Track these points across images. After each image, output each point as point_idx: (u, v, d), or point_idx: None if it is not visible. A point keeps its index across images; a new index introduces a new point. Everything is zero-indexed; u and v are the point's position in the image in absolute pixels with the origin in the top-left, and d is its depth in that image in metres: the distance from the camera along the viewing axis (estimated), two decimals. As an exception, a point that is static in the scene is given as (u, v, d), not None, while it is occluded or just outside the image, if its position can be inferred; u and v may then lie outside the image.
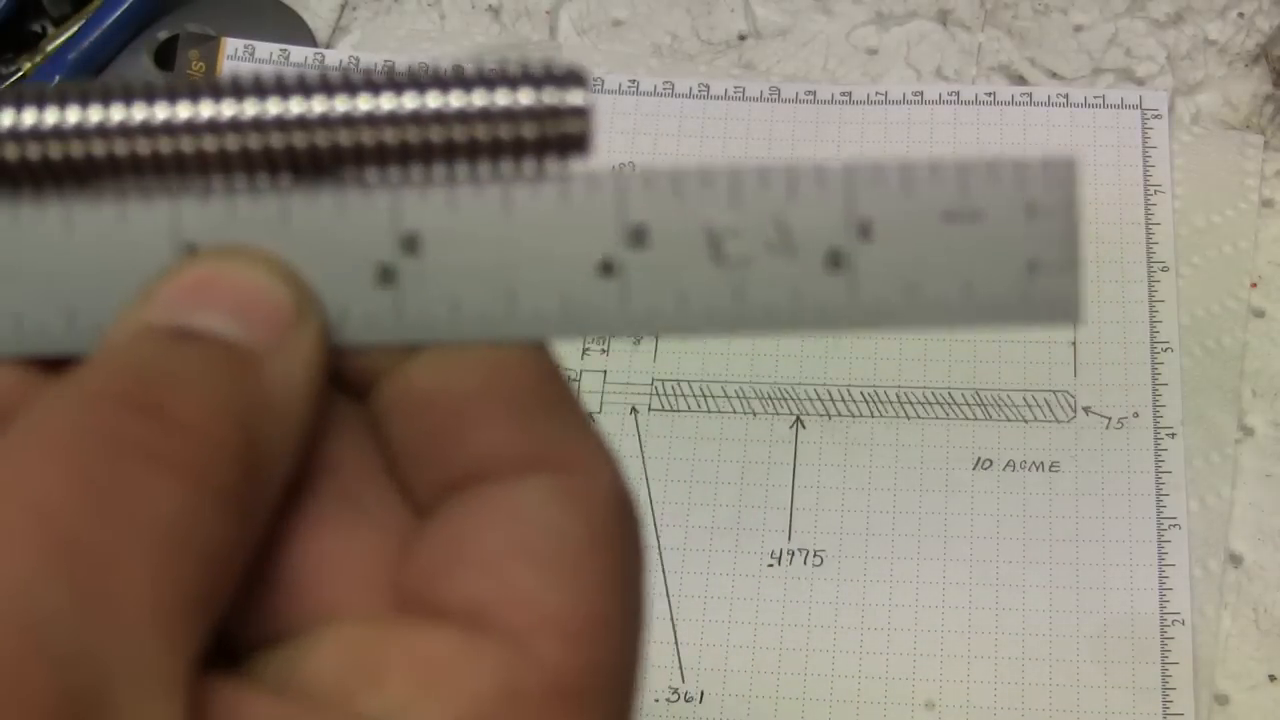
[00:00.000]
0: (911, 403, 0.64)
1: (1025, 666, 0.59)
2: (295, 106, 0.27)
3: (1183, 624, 0.59)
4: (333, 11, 0.75)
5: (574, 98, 0.27)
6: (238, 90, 0.27)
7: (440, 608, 0.25)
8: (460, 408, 0.27)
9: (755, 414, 0.64)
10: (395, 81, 0.27)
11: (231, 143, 0.27)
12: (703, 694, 0.59)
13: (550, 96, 0.27)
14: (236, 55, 0.72)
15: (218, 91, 0.27)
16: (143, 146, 0.27)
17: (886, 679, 0.59)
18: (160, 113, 0.27)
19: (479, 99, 0.27)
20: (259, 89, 0.27)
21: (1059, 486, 0.62)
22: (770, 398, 0.65)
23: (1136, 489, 0.62)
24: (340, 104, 0.27)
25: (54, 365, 0.28)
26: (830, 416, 0.64)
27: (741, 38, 0.74)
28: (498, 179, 0.28)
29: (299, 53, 0.72)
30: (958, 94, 0.70)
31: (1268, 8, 0.73)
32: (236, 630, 0.26)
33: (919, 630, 0.60)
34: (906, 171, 0.28)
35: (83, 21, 0.73)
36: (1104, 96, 0.70)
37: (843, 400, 0.64)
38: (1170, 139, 0.69)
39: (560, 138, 0.27)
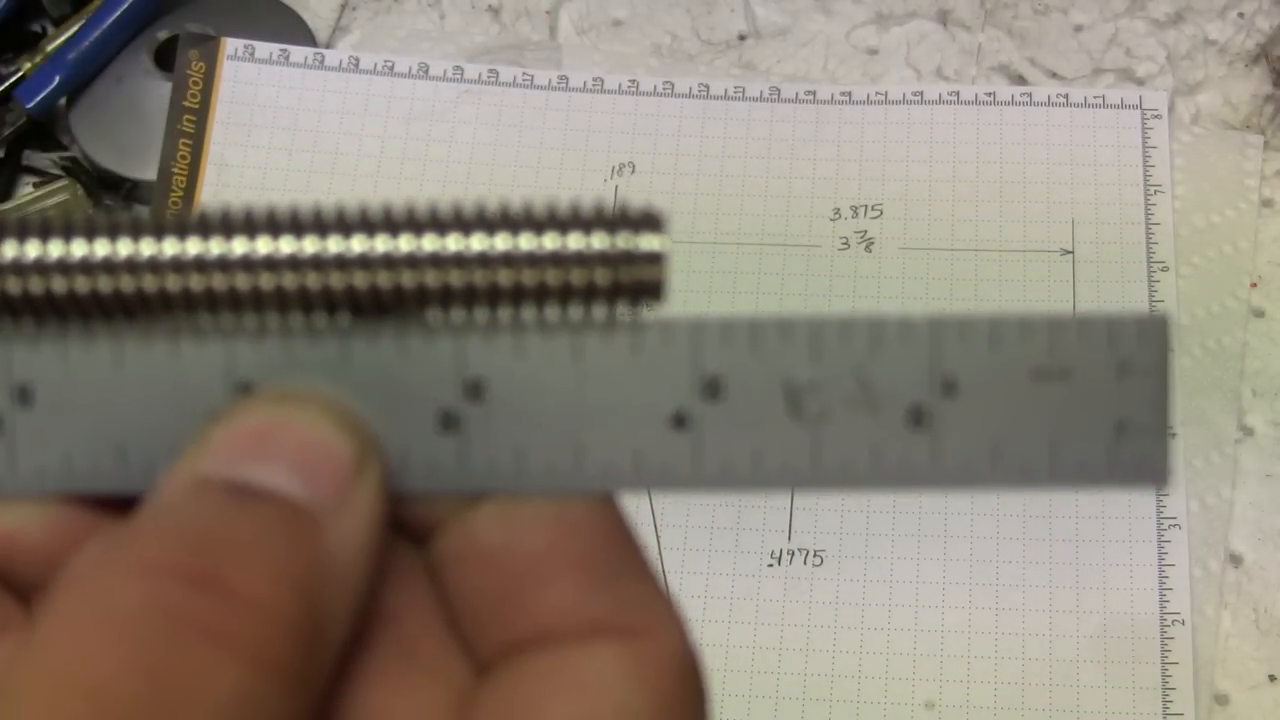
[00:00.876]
0: (911, 402, 0.64)
1: (1025, 666, 0.59)
2: (357, 245, 0.26)
3: (1183, 624, 0.59)
4: (333, 11, 0.75)
5: (649, 243, 0.27)
6: (297, 226, 0.27)
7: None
8: (525, 566, 0.26)
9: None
10: (463, 220, 0.27)
11: (290, 281, 0.26)
12: (703, 695, 0.59)
13: (625, 241, 0.27)
14: (236, 55, 0.72)
15: (276, 226, 0.26)
16: (196, 282, 0.27)
17: (886, 679, 0.59)
18: (215, 248, 0.26)
19: (550, 241, 0.26)
20: (320, 225, 0.27)
21: (1059, 486, 0.62)
22: (770, 398, 0.64)
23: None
24: (404, 243, 0.26)
25: (104, 504, 0.27)
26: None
27: (741, 38, 0.74)
28: (567, 325, 0.27)
29: (299, 53, 0.72)
30: (958, 94, 0.70)
31: (1268, 8, 0.73)
32: None
33: (919, 630, 0.60)
34: (994, 326, 0.27)
35: (83, 21, 0.73)
36: (1104, 97, 0.70)
37: (843, 400, 0.64)
38: (1170, 139, 0.69)
39: (634, 284, 0.27)
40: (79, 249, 0.26)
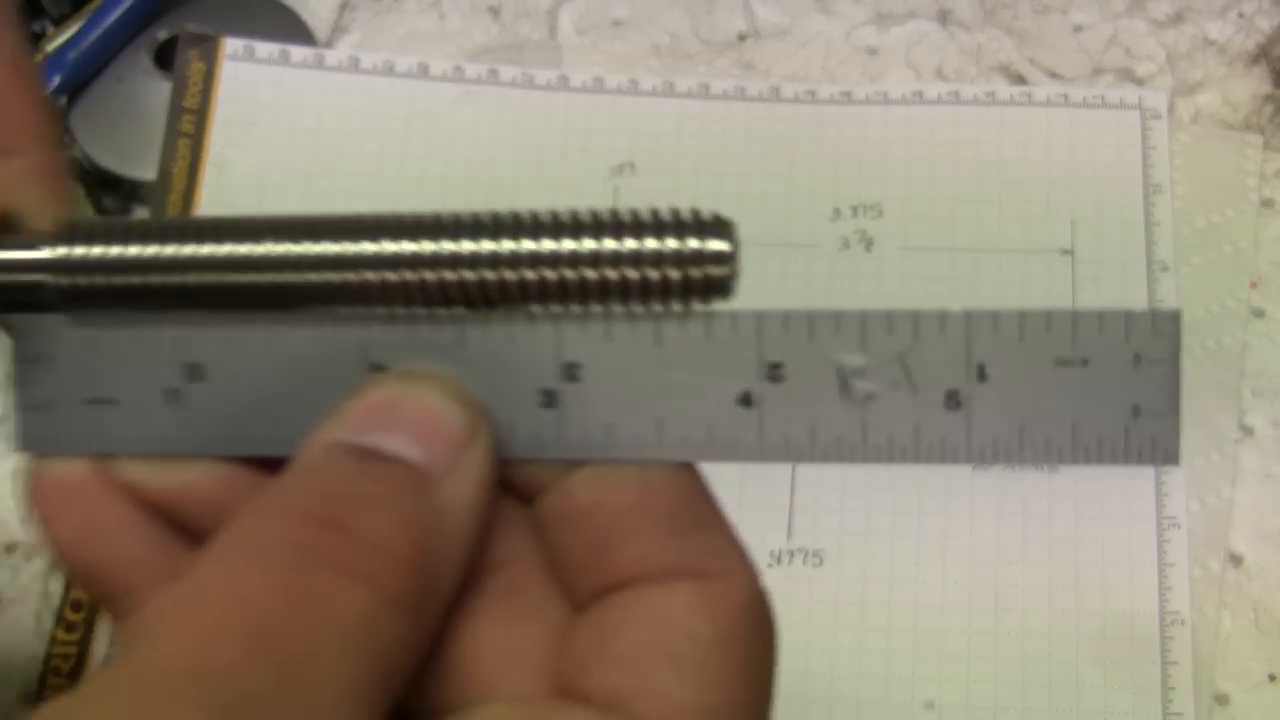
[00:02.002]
0: (911, 402, 0.64)
1: (1025, 666, 0.59)
2: (470, 246, 0.31)
3: (1182, 624, 0.59)
4: (332, 11, 0.75)
5: (718, 245, 0.30)
6: (418, 230, 0.31)
7: (585, 694, 0.29)
8: (615, 521, 0.30)
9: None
10: (559, 224, 0.31)
11: (414, 277, 0.31)
12: None
13: (697, 243, 0.30)
14: (236, 55, 0.72)
15: (400, 230, 0.31)
16: (338, 278, 0.31)
17: (886, 679, 0.59)
18: (358, 248, 0.31)
19: (632, 243, 0.30)
20: (438, 228, 0.31)
21: (1059, 486, 0.62)
22: (770, 397, 0.64)
23: (1136, 489, 0.62)
24: (508, 245, 0.31)
25: (261, 463, 0.32)
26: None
27: (741, 38, 0.74)
28: (649, 316, 0.31)
29: (299, 53, 0.72)
30: (957, 94, 0.70)
31: (1268, 8, 0.73)
32: (412, 704, 0.29)
33: (919, 630, 0.60)
34: (1022, 319, 0.31)
35: (83, 21, 0.73)
36: (1103, 97, 0.70)
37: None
38: (1170, 139, 0.69)
39: (705, 281, 0.30)
40: (245, 248, 0.32)
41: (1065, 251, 0.66)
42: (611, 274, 0.30)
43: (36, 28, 0.75)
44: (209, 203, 0.69)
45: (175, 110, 0.70)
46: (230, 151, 0.70)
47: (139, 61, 0.73)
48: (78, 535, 0.33)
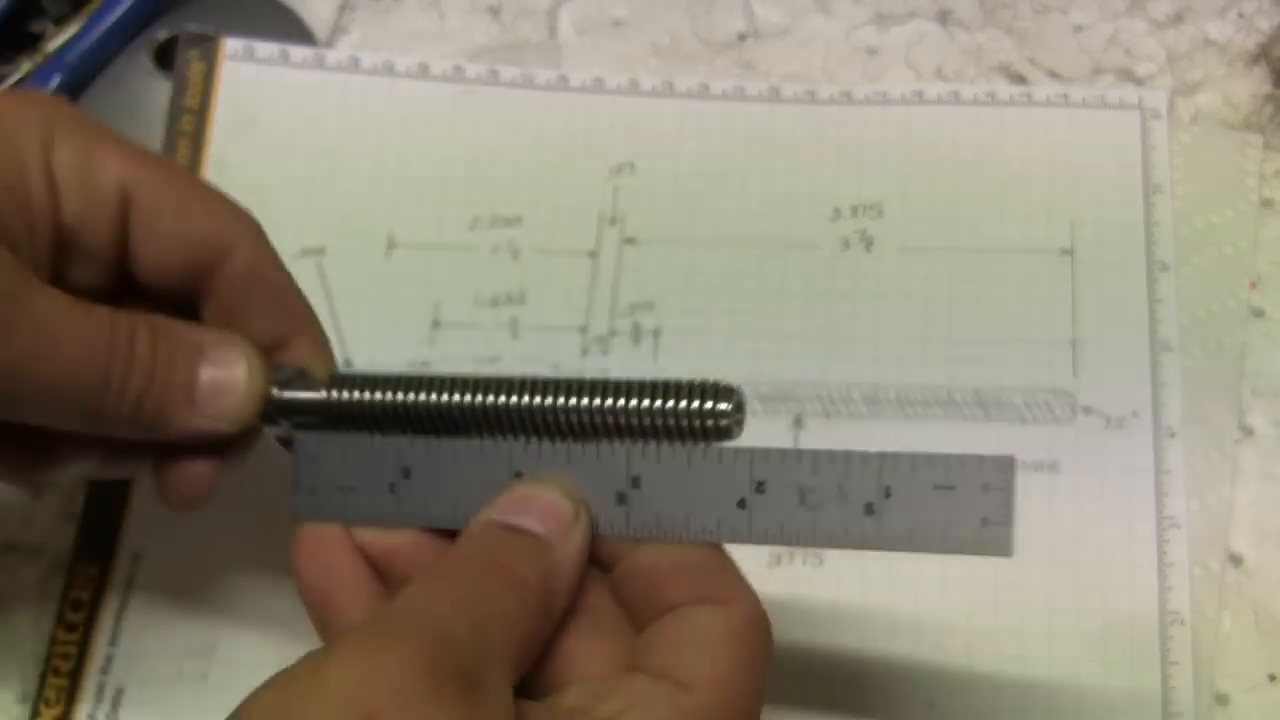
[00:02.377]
0: (911, 403, 0.64)
1: (1025, 666, 0.59)
2: (574, 402, 0.48)
3: (1182, 624, 0.59)
4: (332, 11, 0.76)
5: (724, 406, 0.46)
6: (540, 389, 0.48)
7: (644, 668, 0.44)
8: (664, 575, 0.46)
9: (755, 414, 0.64)
10: (620, 389, 0.47)
11: (538, 419, 0.48)
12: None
13: (711, 405, 0.46)
14: (236, 55, 0.72)
15: (531, 389, 0.48)
16: (490, 417, 0.49)
17: (887, 679, 0.59)
18: (507, 400, 0.48)
19: (669, 404, 0.47)
20: (550, 388, 0.48)
21: (1059, 486, 0.62)
22: (770, 398, 0.65)
23: (1136, 489, 0.62)
24: (587, 403, 0.48)
25: (442, 534, 0.49)
26: (830, 417, 0.64)
27: (741, 38, 0.74)
28: (684, 448, 0.47)
29: (298, 53, 0.72)
30: (957, 94, 0.70)
31: (1268, 8, 0.73)
32: (531, 686, 0.45)
33: (919, 630, 0.60)
34: (914, 460, 0.45)
35: (83, 21, 0.73)
36: (1103, 96, 0.70)
37: (843, 401, 0.64)
38: (1170, 139, 0.69)
39: (717, 430, 0.46)
40: (440, 398, 0.49)
41: (1065, 252, 0.66)
42: (655, 423, 0.47)
43: (36, 28, 0.75)
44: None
45: (175, 110, 0.71)
46: (230, 152, 0.70)
47: (139, 61, 0.73)
48: (323, 575, 0.49)
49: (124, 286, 0.52)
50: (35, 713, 0.60)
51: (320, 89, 0.72)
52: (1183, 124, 0.70)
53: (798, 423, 0.64)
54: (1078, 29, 0.73)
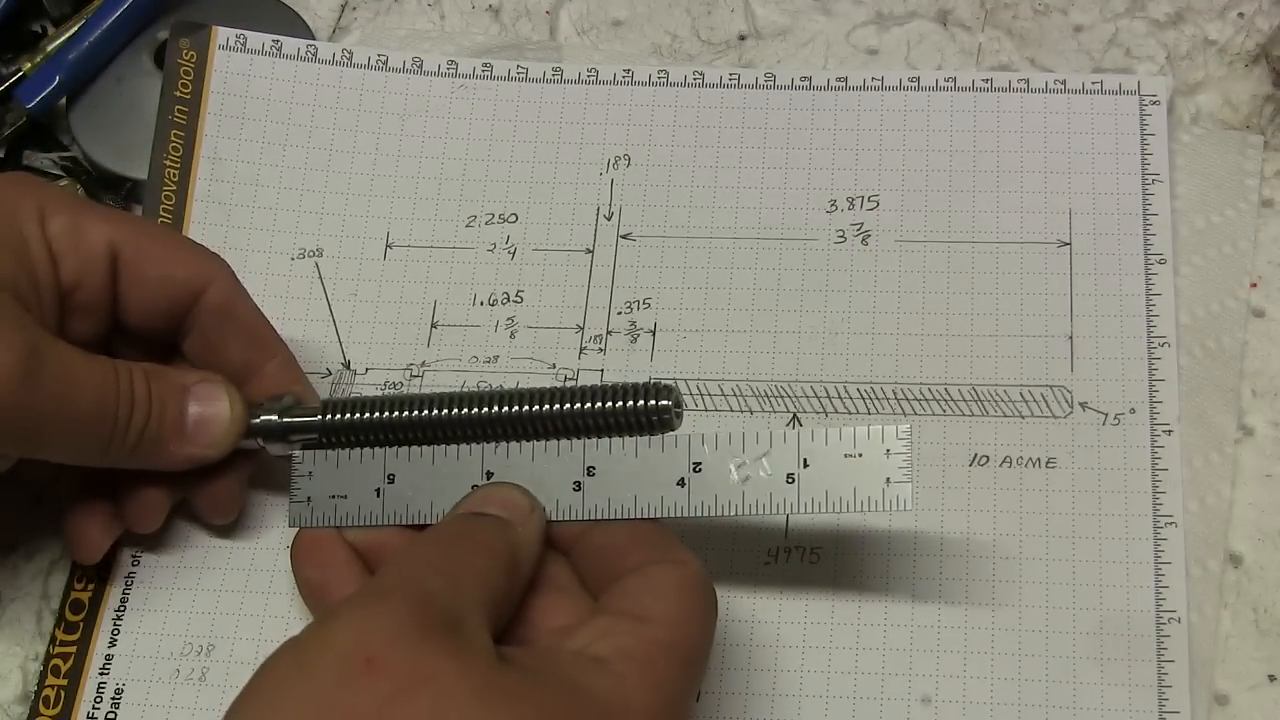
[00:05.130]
0: (908, 399, 0.64)
1: (1021, 663, 0.59)
2: (532, 409, 0.56)
3: (1179, 622, 0.59)
4: (333, 11, 0.76)
5: (665, 403, 0.54)
6: (504, 399, 0.56)
7: (607, 611, 0.51)
8: (619, 547, 0.54)
9: (752, 412, 0.64)
10: (573, 395, 0.56)
11: (502, 426, 0.57)
12: (700, 692, 0.59)
13: (654, 403, 0.54)
14: (228, 45, 0.72)
15: (495, 400, 0.57)
16: (460, 427, 0.57)
17: (883, 675, 0.59)
18: (474, 412, 0.57)
19: (617, 404, 0.55)
20: (511, 398, 0.56)
21: (1055, 483, 0.62)
22: (767, 395, 0.65)
23: (1133, 486, 0.61)
24: (549, 409, 0.56)
25: (423, 526, 0.57)
26: (827, 414, 0.64)
27: (741, 38, 0.74)
28: (632, 439, 0.55)
29: (291, 44, 0.72)
30: (955, 80, 0.70)
31: (1268, 8, 0.73)
32: (503, 643, 0.49)
33: (915, 626, 0.60)
34: (826, 432, 0.53)
35: (83, 21, 0.73)
36: (1101, 82, 0.70)
37: (840, 398, 0.64)
38: (1169, 125, 0.69)
39: (660, 423, 0.55)
40: (418, 414, 0.58)
41: (1063, 243, 0.66)
42: (607, 421, 0.55)
43: (36, 28, 0.76)
44: (202, 196, 0.69)
45: (166, 101, 0.71)
46: (223, 144, 0.70)
47: (139, 61, 0.73)
48: (319, 571, 0.57)
49: (112, 336, 0.61)
50: (34, 713, 0.60)
51: (314, 83, 0.72)
52: (1183, 124, 0.70)
53: (795, 420, 0.64)
54: (1078, 29, 0.73)
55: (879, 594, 0.60)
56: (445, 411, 0.57)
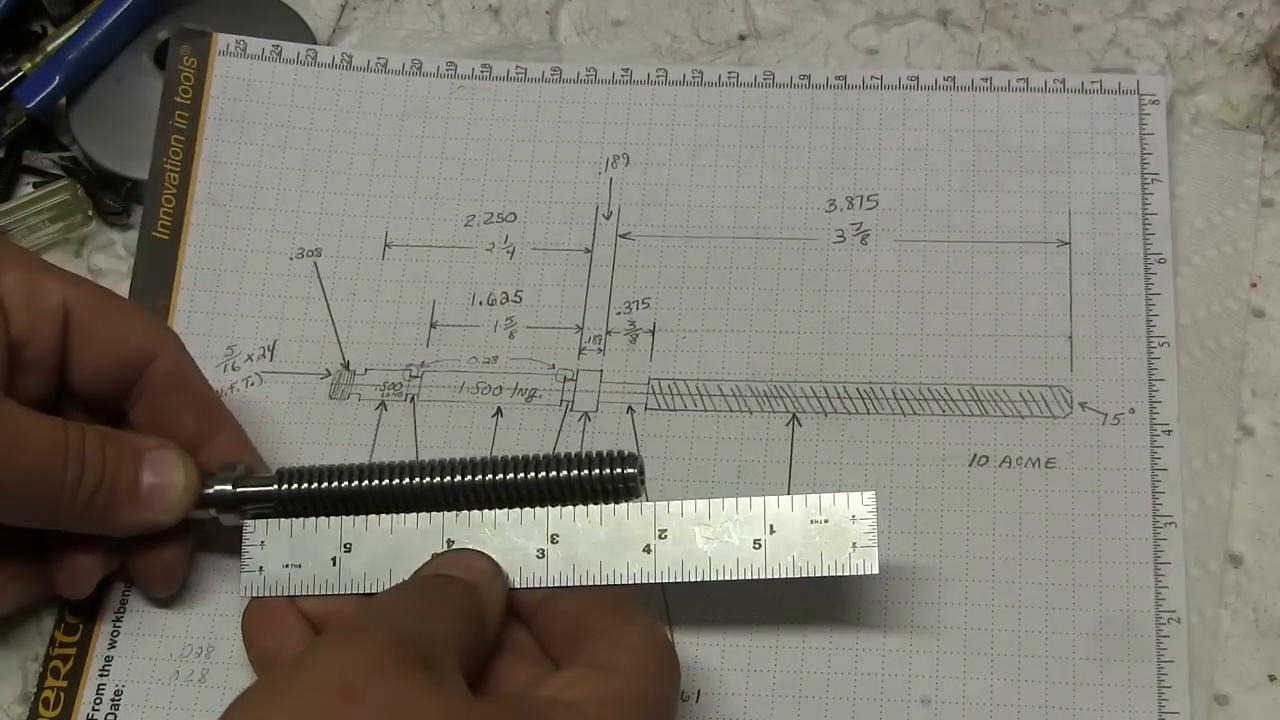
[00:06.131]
0: (908, 399, 0.64)
1: (1021, 663, 0.59)
2: (495, 478, 0.57)
3: (1178, 622, 0.59)
4: (333, 11, 0.76)
5: (629, 471, 0.56)
6: (461, 468, 0.57)
7: (577, 663, 0.51)
8: (589, 608, 0.54)
9: (751, 412, 0.64)
10: (536, 463, 0.57)
11: (475, 493, 0.57)
12: (699, 693, 0.59)
13: (619, 471, 0.56)
14: (229, 51, 0.72)
15: (457, 469, 0.57)
16: (429, 498, 0.58)
17: (882, 675, 0.59)
18: (435, 481, 0.57)
19: (583, 472, 0.56)
20: (470, 467, 0.57)
21: (1055, 483, 0.62)
22: (766, 396, 0.65)
23: (1132, 486, 0.61)
24: (511, 477, 0.57)
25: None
26: (826, 414, 0.64)
27: (741, 38, 0.74)
28: (596, 508, 0.56)
29: (291, 49, 0.72)
30: (954, 80, 0.70)
31: (1268, 8, 0.73)
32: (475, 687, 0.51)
33: (914, 627, 0.59)
34: (793, 500, 0.55)
35: (83, 21, 0.73)
36: (1101, 82, 0.70)
37: (839, 398, 0.64)
38: (1168, 125, 0.69)
39: (625, 490, 0.56)
40: (373, 483, 0.58)
41: (1063, 243, 0.66)
42: (570, 490, 0.56)
43: (36, 28, 0.76)
44: (203, 199, 0.69)
45: (167, 106, 0.71)
46: (223, 149, 0.70)
47: (139, 62, 0.73)
48: (271, 640, 0.57)
49: (61, 398, 0.60)
50: (34, 714, 0.60)
51: (313, 86, 0.72)
52: (1183, 124, 0.70)
53: (794, 420, 0.64)
54: (1078, 29, 0.73)
55: (879, 594, 0.60)
56: (404, 481, 0.58)
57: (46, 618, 0.62)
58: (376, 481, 0.58)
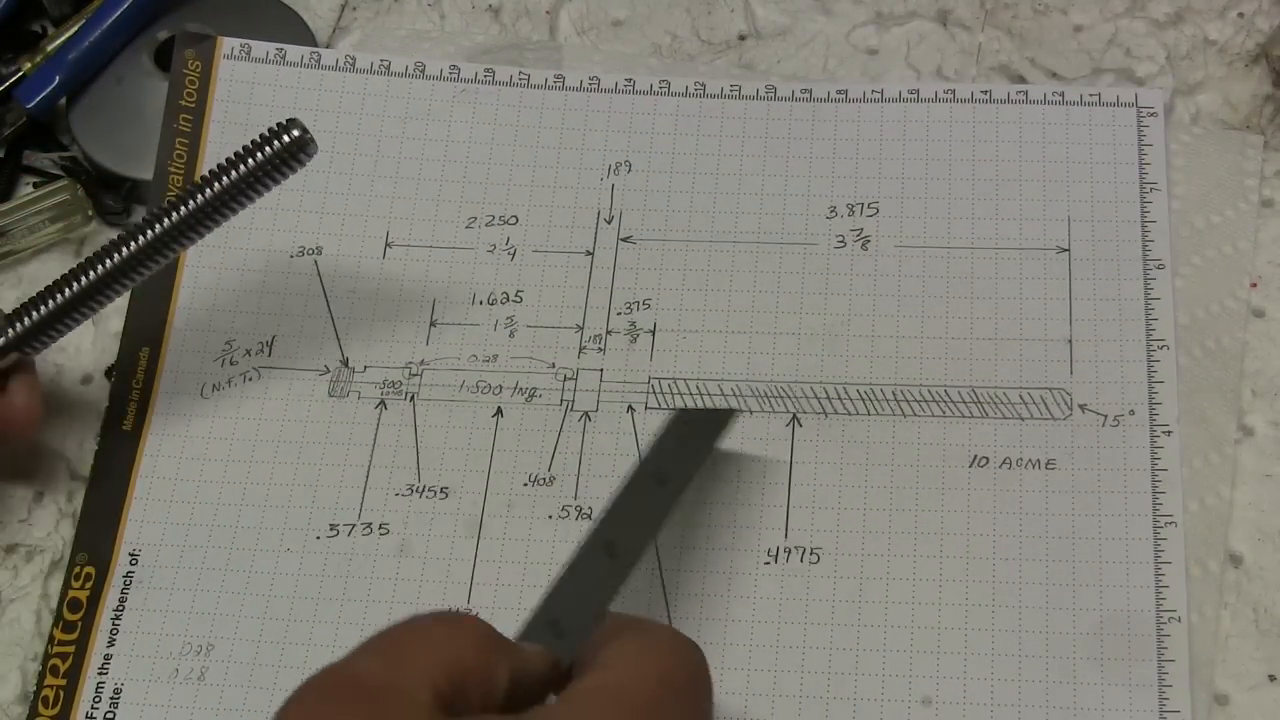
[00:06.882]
0: (908, 400, 0.64)
1: (1021, 663, 0.59)
2: (178, 211, 0.59)
3: (1179, 622, 0.59)
4: (333, 11, 0.76)
5: (295, 135, 0.58)
6: (173, 208, 0.59)
7: (597, 665, 0.48)
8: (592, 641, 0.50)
9: (752, 412, 0.64)
10: (215, 174, 0.58)
11: (178, 230, 0.60)
12: (699, 692, 0.59)
13: (289, 138, 0.58)
14: (233, 54, 0.72)
15: (165, 215, 0.59)
16: (144, 257, 0.60)
17: (883, 676, 0.59)
18: (140, 238, 0.60)
19: (253, 160, 0.58)
20: (160, 215, 0.59)
21: (1055, 484, 0.62)
22: (767, 396, 0.65)
23: (1132, 487, 0.61)
24: (205, 196, 0.59)
25: None
26: (827, 415, 0.64)
27: (741, 38, 0.74)
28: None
29: (295, 52, 0.72)
30: (954, 92, 0.70)
31: (1268, 8, 0.73)
32: None
33: (915, 627, 0.60)
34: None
35: (83, 21, 0.73)
36: (1100, 95, 0.70)
37: (839, 398, 0.64)
38: (1166, 137, 0.69)
39: (301, 156, 0.58)
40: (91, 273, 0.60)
41: (1061, 249, 0.66)
42: (255, 178, 0.58)
43: (36, 28, 0.76)
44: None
45: (171, 109, 0.71)
46: (227, 149, 0.70)
47: (139, 62, 0.73)
48: None
49: None
50: (34, 712, 0.60)
51: (317, 88, 0.72)
52: (1183, 124, 0.70)
53: (795, 421, 0.64)
54: (1078, 29, 0.73)
55: (879, 595, 0.60)
56: (116, 257, 0.59)
57: (46, 617, 0.62)
58: (95, 271, 0.59)
